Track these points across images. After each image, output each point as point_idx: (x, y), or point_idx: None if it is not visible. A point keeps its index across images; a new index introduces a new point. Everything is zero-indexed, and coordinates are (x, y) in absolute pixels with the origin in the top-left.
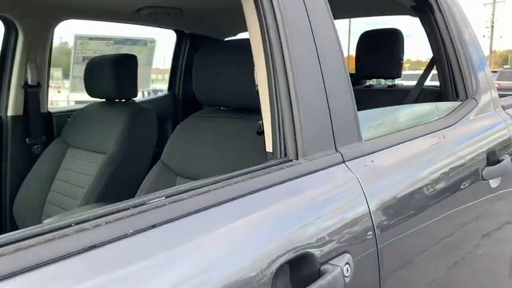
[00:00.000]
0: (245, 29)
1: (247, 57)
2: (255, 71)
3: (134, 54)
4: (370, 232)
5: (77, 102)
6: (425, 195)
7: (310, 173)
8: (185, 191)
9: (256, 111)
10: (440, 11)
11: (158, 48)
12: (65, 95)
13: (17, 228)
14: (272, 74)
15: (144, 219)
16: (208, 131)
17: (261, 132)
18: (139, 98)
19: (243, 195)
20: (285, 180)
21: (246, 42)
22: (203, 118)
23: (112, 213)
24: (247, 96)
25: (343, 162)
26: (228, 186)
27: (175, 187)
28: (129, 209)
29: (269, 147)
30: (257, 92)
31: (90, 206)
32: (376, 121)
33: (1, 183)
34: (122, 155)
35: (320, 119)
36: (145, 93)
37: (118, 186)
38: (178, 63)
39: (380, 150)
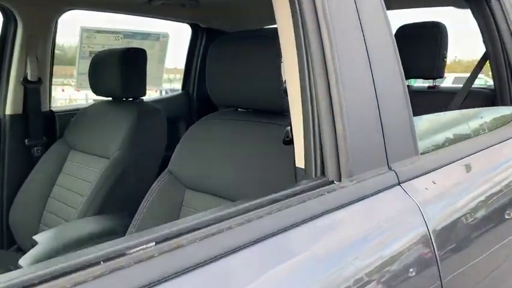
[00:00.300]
0: (270, 23)
1: (271, 48)
2: (281, 66)
3: (144, 48)
4: (435, 280)
5: (95, 100)
6: (498, 222)
7: (357, 201)
8: (185, 233)
9: (282, 113)
10: None
11: (180, 45)
12: (83, 93)
13: (12, 239)
14: (306, 70)
15: (119, 281)
16: (223, 137)
17: (289, 141)
18: (156, 96)
19: (267, 237)
20: (325, 211)
21: (271, 32)
22: (217, 121)
23: (71, 271)
24: (271, 96)
25: (399, 184)
26: (247, 224)
27: (172, 225)
28: (98, 263)
29: (300, 163)
30: (284, 91)
31: (91, 219)
32: (429, 129)
33: None
34: (127, 161)
35: (369, 127)
36: (163, 92)
37: (121, 196)
38: (193, 59)
39: (442, 166)
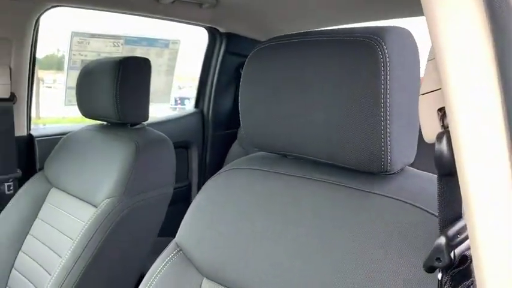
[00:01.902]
0: (305, 27)
1: (368, 60)
2: (424, 97)
3: (150, 58)
4: None
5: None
6: None
7: None
8: None
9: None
10: None
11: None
12: None
13: None
14: None
15: None
16: (264, 201)
17: (434, 268)
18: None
19: None
20: None
21: (363, 32)
22: (252, 173)
23: None
24: (358, 142)
25: None
26: None
27: None
28: None
29: None
30: (442, 156)
31: None
32: None
33: None
34: (120, 212)
35: None
36: (172, 101)
37: (111, 262)
38: (209, 71)
39: None
